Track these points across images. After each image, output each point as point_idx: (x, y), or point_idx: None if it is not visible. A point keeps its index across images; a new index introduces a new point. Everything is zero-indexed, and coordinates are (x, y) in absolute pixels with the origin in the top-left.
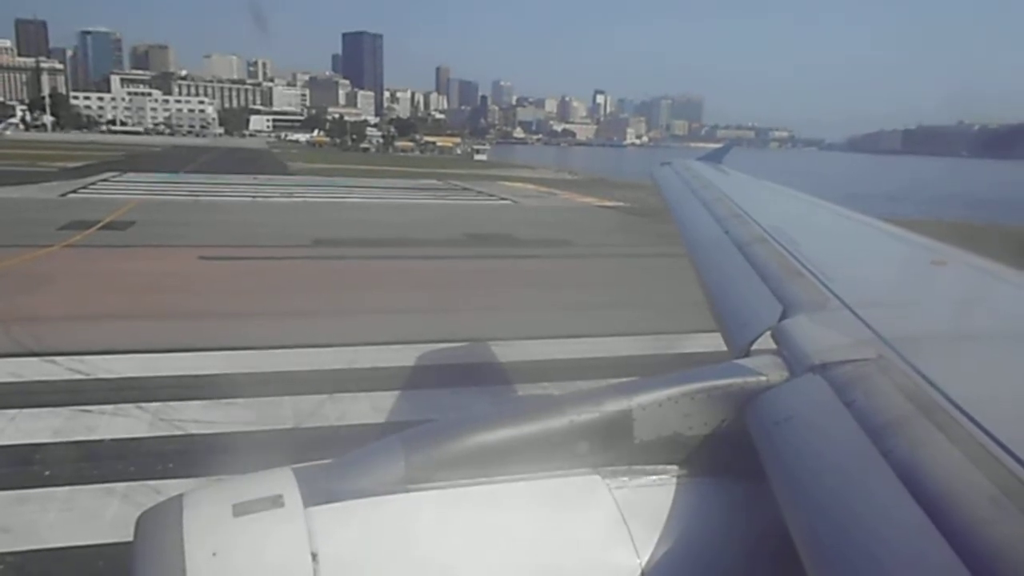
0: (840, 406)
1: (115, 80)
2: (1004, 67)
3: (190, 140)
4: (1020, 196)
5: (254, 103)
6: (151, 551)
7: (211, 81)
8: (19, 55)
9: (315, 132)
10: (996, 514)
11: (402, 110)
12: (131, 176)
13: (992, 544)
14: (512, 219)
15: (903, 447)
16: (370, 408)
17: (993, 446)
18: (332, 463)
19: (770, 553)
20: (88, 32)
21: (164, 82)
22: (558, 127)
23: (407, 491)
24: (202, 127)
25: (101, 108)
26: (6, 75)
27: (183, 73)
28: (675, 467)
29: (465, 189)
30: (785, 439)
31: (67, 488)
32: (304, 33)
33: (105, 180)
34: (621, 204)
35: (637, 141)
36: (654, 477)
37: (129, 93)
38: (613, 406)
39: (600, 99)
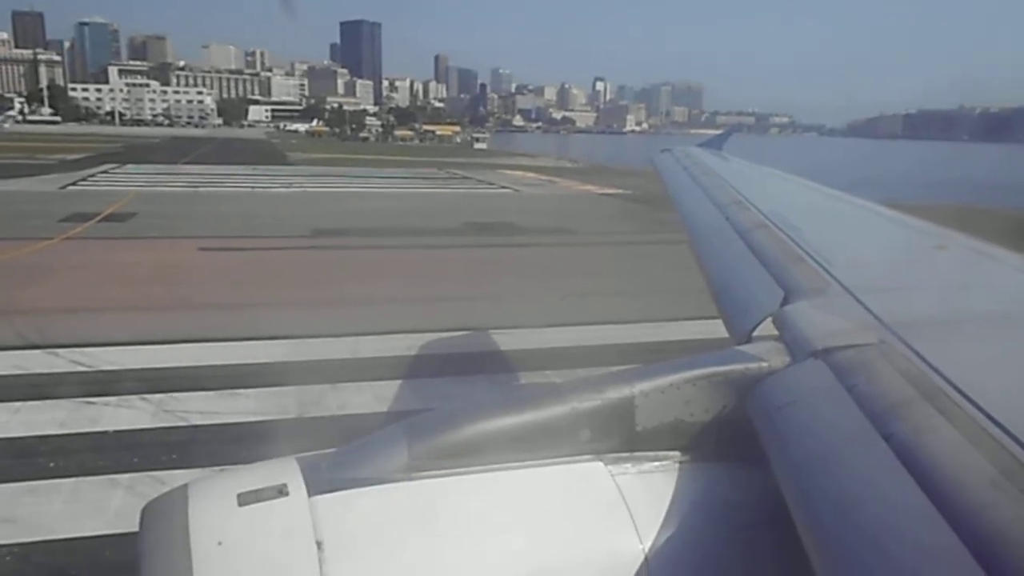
0: (842, 391)
1: (113, 71)
2: (1005, 50)
3: (189, 131)
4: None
5: (252, 93)
6: (157, 541)
7: (209, 72)
8: (16, 47)
9: (314, 122)
10: (997, 497)
11: (401, 99)
12: (131, 168)
13: (993, 527)
14: (513, 208)
15: (905, 431)
16: (373, 397)
17: (994, 430)
18: (336, 452)
19: (772, 537)
20: (85, 23)
21: (162, 73)
22: (557, 115)
23: (411, 479)
24: (201, 118)
25: (99, 100)
26: (4, 67)
27: (181, 64)
28: (677, 453)
29: (465, 178)
30: (787, 424)
31: (72, 479)
32: (302, 22)
33: (105, 172)
34: (622, 192)
35: (637, 128)
36: (656, 463)
37: (127, 84)
38: (615, 393)
39: (600, 86)
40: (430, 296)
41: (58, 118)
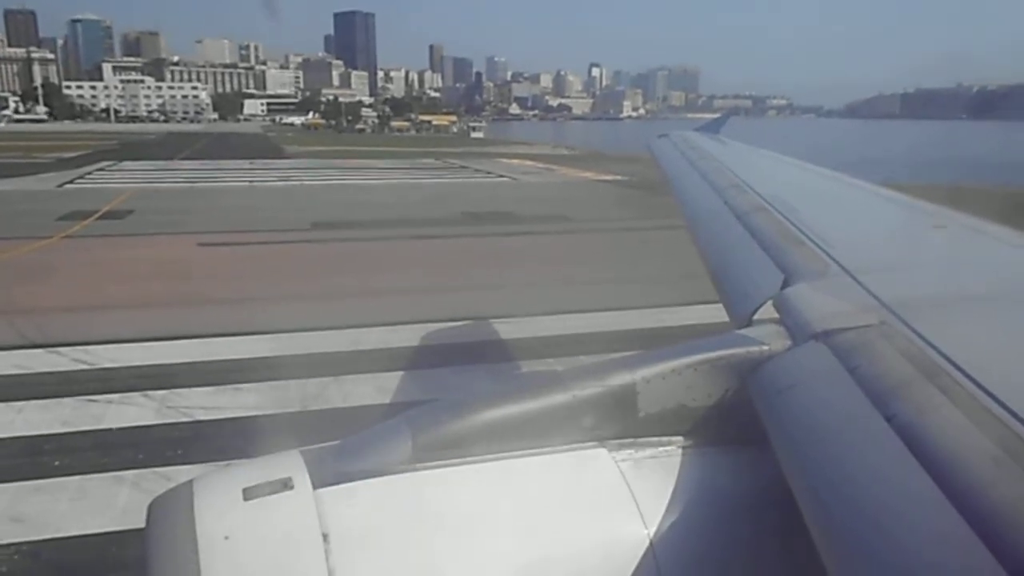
0: (843, 373)
1: (107, 68)
2: (1001, 28)
3: (184, 126)
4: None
5: (247, 87)
6: (163, 537)
7: (204, 66)
8: (9, 46)
9: (310, 114)
10: (1000, 476)
11: (396, 89)
12: (127, 165)
13: (996, 506)
14: (511, 196)
15: (907, 412)
16: (375, 389)
17: (997, 408)
18: (339, 444)
19: (776, 520)
20: (78, 20)
21: (156, 69)
22: (554, 102)
23: (415, 470)
24: (196, 113)
25: (94, 97)
26: None
27: (175, 59)
28: (680, 438)
29: (463, 167)
30: (789, 407)
31: (78, 477)
32: (295, 14)
33: (101, 170)
34: (619, 178)
35: (634, 114)
36: (659, 448)
37: (122, 81)
38: (617, 379)
39: (596, 72)
40: (430, 286)
41: (44, 116)
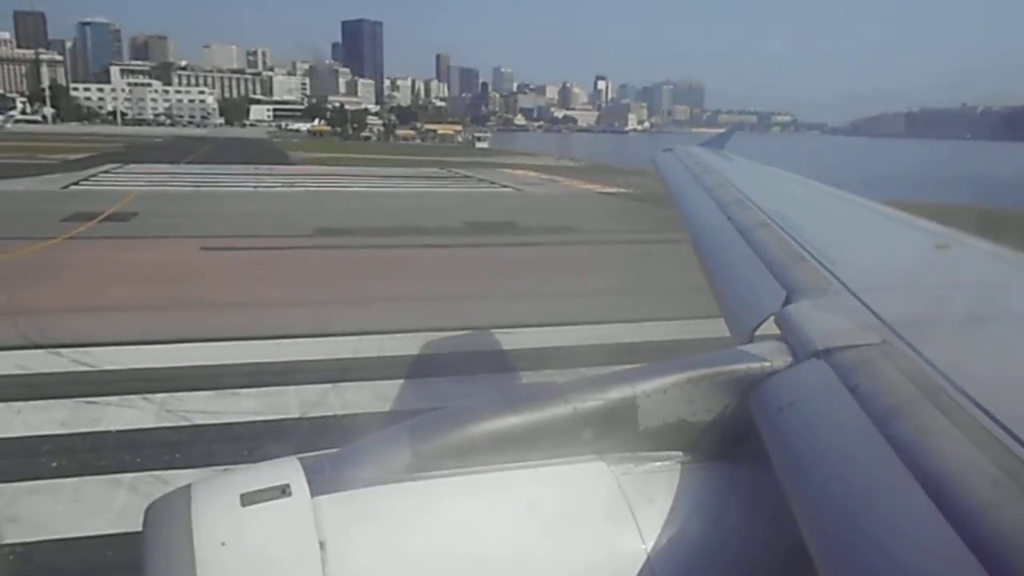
0: (844, 391)
1: (115, 71)
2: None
3: (191, 131)
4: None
5: (254, 93)
6: (160, 541)
7: (211, 71)
8: (18, 47)
9: (316, 121)
10: (1000, 498)
11: (403, 98)
12: (132, 167)
13: (996, 528)
14: (514, 207)
15: (907, 432)
16: (374, 397)
17: (998, 431)
18: (338, 452)
19: (775, 538)
20: (87, 23)
21: (164, 73)
22: (559, 114)
23: (413, 479)
24: (203, 117)
25: (101, 99)
26: (6, 67)
27: (183, 63)
28: (680, 453)
29: (467, 177)
30: (789, 424)
31: (75, 479)
32: (303, 21)
33: (107, 172)
34: (623, 191)
35: (639, 127)
36: (659, 463)
37: (129, 84)
38: (617, 393)
39: (601, 85)
40: (432, 295)
41: (38, 119)
